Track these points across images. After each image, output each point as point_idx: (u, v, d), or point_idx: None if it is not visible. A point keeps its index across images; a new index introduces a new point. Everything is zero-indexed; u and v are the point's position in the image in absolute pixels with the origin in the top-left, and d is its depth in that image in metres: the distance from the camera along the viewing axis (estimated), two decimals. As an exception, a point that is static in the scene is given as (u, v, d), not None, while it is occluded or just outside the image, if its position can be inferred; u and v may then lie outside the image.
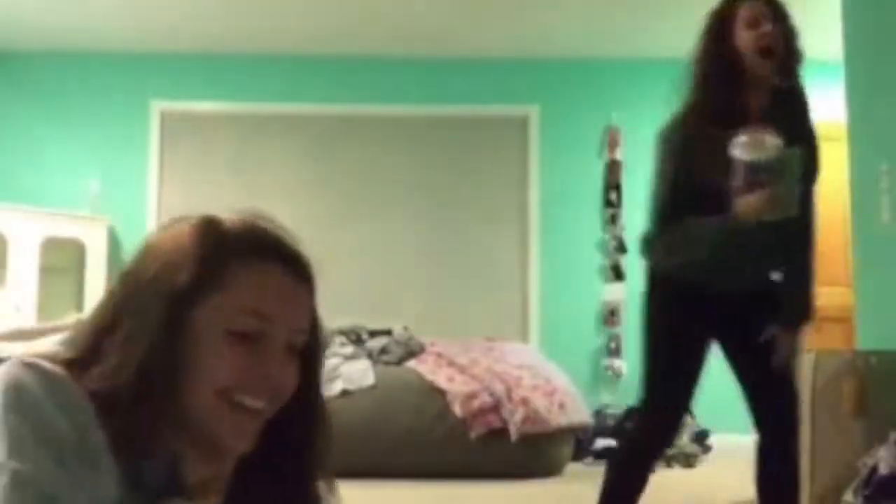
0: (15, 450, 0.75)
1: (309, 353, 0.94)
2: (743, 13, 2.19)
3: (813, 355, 2.91)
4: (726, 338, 2.28)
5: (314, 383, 0.97)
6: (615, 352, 5.82)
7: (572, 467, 4.59)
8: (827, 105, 5.45)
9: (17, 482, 0.74)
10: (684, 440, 4.92)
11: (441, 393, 4.34)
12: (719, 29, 2.25)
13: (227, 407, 0.86)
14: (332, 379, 4.40)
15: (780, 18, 2.18)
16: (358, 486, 4.02)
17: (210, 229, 0.90)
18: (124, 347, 0.84)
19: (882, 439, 2.52)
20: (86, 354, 0.85)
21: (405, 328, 4.87)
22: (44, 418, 0.77)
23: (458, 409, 4.29)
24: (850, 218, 3.67)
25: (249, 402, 0.87)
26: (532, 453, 4.32)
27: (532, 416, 4.28)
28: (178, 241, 0.89)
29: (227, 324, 0.86)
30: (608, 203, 5.95)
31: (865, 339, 3.43)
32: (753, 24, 2.16)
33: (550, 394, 4.41)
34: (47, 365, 0.81)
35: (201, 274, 0.86)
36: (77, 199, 5.72)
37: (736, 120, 2.11)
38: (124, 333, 0.85)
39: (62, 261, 5.52)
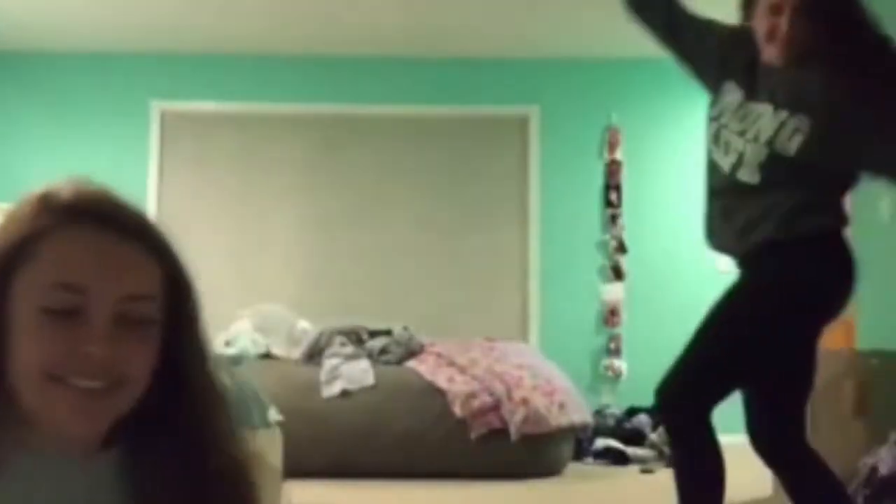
0: None
1: (170, 320, 0.85)
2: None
3: (813, 355, 2.91)
4: None
5: (187, 355, 0.87)
6: (615, 352, 5.82)
7: (572, 467, 4.59)
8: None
9: None
10: (684, 440, 4.92)
11: (441, 393, 4.35)
12: (746, 7, 2.14)
13: (60, 387, 0.78)
14: (332, 379, 4.41)
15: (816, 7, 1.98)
16: (358, 486, 4.03)
17: (40, 200, 0.84)
18: None
19: (882, 439, 2.52)
20: None
21: (405, 328, 4.87)
22: None
23: (458, 410, 4.29)
24: (850, 218, 3.66)
25: (79, 382, 0.78)
26: (532, 453, 4.33)
27: (532, 416, 4.28)
28: (10, 216, 0.85)
29: (38, 300, 0.78)
30: (608, 203, 5.95)
31: (865, 339, 3.44)
32: (775, 10, 2.01)
33: (550, 394, 4.41)
34: None
35: (18, 246, 0.80)
36: (77, 199, 5.72)
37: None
38: None
39: (62, 261, 5.52)
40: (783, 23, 1.97)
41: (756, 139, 2.06)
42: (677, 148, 6.00)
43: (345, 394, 4.33)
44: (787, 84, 2.03)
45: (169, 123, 6.03)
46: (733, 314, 2.10)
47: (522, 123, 6.06)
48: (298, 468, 3.36)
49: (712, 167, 2.14)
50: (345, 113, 6.07)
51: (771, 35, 2.01)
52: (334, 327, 4.78)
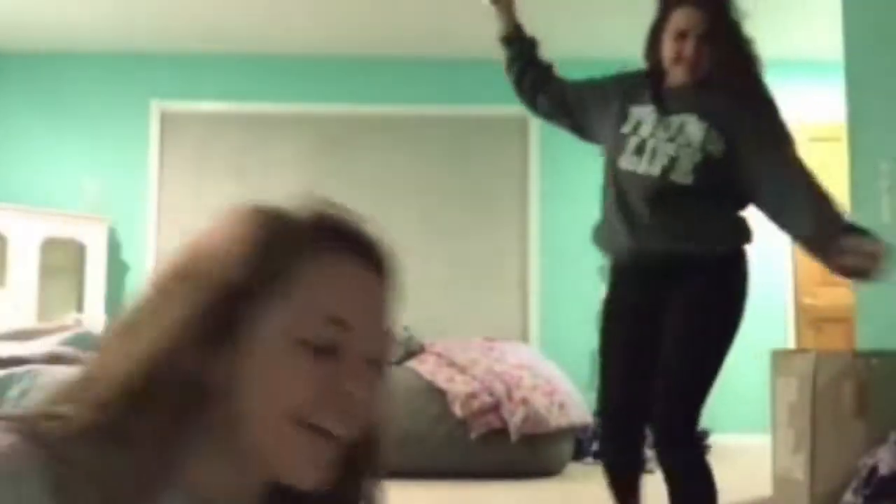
0: None
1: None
2: (672, 25, 2.26)
3: (813, 355, 2.91)
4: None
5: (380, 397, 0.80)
6: (615, 352, 5.81)
7: (572, 467, 4.59)
8: (827, 105, 5.48)
9: None
10: (684, 440, 4.92)
11: (441, 393, 4.35)
12: (652, 40, 2.36)
13: (303, 433, 0.70)
14: (332, 379, 4.41)
15: (715, 21, 2.24)
16: (358, 486, 4.03)
17: (272, 218, 0.75)
18: (139, 347, 0.68)
19: (882, 439, 2.52)
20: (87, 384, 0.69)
21: (405, 328, 4.87)
22: None
23: (458, 410, 4.29)
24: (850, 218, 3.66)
25: (330, 425, 0.70)
26: (532, 453, 4.33)
27: (532, 416, 4.28)
28: (231, 232, 0.74)
29: (297, 332, 0.70)
30: (608, 203, 5.95)
31: (865, 340, 3.43)
32: (681, 36, 2.23)
33: (550, 394, 4.41)
34: None
35: (262, 268, 0.70)
36: (77, 199, 5.72)
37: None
38: (140, 332, 0.69)
39: (62, 261, 5.52)
40: (688, 47, 2.20)
41: (689, 144, 2.18)
42: (677, 148, 6.00)
43: (345, 394, 4.33)
44: (696, 99, 2.21)
45: (169, 123, 6.03)
46: (707, 337, 2.14)
47: (522, 123, 6.06)
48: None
49: (628, 176, 2.18)
50: (345, 113, 6.07)
51: (678, 58, 2.23)
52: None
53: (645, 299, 2.24)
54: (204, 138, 6.04)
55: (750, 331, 6.22)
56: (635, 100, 2.33)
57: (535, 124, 6.06)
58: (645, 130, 2.25)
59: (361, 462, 0.78)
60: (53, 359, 2.76)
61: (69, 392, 0.69)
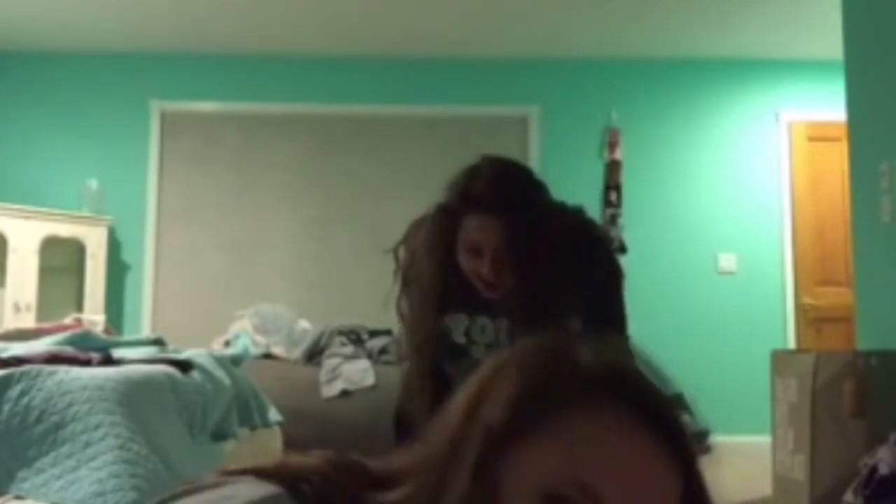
0: None
1: None
2: (464, 236, 1.90)
3: (813, 355, 2.91)
4: None
5: None
6: (615, 352, 5.81)
7: (572, 467, 4.58)
8: (827, 105, 5.48)
9: None
10: (684, 440, 4.92)
11: (441, 393, 4.34)
12: (441, 241, 1.99)
13: None
14: (332, 379, 4.40)
15: (517, 228, 1.84)
16: (358, 486, 4.02)
17: (546, 353, 0.66)
18: (429, 485, 0.64)
19: (882, 439, 2.52)
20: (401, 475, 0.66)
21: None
22: None
23: (457, 410, 4.28)
24: (850, 218, 3.66)
25: None
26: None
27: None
28: (506, 371, 0.66)
29: (541, 486, 0.60)
30: (608, 203, 5.95)
31: (865, 339, 3.43)
32: (475, 252, 1.88)
33: (550, 394, 4.40)
34: None
35: (520, 410, 0.63)
36: (77, 199, 5.72)
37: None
38: (434, 469, 0.65)
39: (62, 261, 5.52)
40: (485, 265, 1.86)
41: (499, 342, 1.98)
42: (677, 148, 6.01)
43: (345, 394, 4.32)
44: (509, 307, 1.94)
45: (169, 123, 6.03)
46: None
47: (522, 123, 6.06)
48: (298, 468, 3.35)
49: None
50: (345, 113, 6.07)
51: (476, 277, 1.90)
52: (334, 327, 4.78)
53: None
54: (204, 138, 6.04)
55: (750, 331, 6.28)
56: (451, 306, 2.05)
57: (535, 124, 6.06)
58: (459, 338, 2.03)
59: None
60: (53, 359, 2.76)
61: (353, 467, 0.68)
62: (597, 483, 0.60)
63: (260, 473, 0.64)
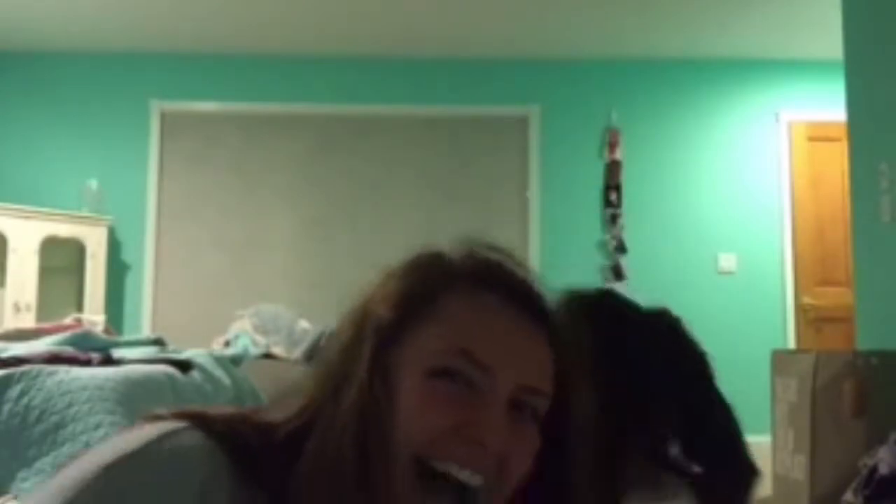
0: None
1: (557, 433, 0.71)
2: None
3: (813, 355, 2.91)
4: None
5: (565, 476, 0.73)
6: (615, 352, 5.80)
7: (572, 467, 4.58)
8: (827, 105, 5.48)
9: None
10: (684, 440, 4.92)
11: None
12: None
13: (425, 485, 0.66)
14: (332, 379, 4.39)
15: None
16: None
17: (422, 257, 0.76)
18: (333, 393, 0.69)
19: (882, 439, 2.52)
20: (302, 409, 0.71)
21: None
22: None
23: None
24: (850, 218, 3.66)
25: (455, 472, 0.66)
26: (532, 453, 4.32)
27: (532, 416, 4.27)
28: (387, 277, 0.75)
29: (427, 362, 0.68)
30: (608, 203, 5.95)
31: (865, 339, 3.43)
32: None
33: (550, 394, 4.40)
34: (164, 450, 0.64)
35: (406, 305, 0.71)
36: (77, 199, 5.72)
37: None
38: (332, 376, 0.71)
39: (62, 261, 5.52)
40: None
41: None
42: (677, 148, 6.01)
43: (345, 394, 4.32)
44: None
45: (169, 123, 6.03)
46: None
47: (522, 123, 6.06)
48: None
49: None
50: (345, 113, 6.07)
51: None
52: (334, 327, 4.77)
53: None
54: (204, 138, 6.04)
55: (750, 331, 6.28)
56: None
57: (535, 124, 6.06)
58: None
59: None
60: (53, 359, 2.76)
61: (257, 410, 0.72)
62: (476, 347, 0.67)
63: (178, 416, 0.68)
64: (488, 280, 0.72)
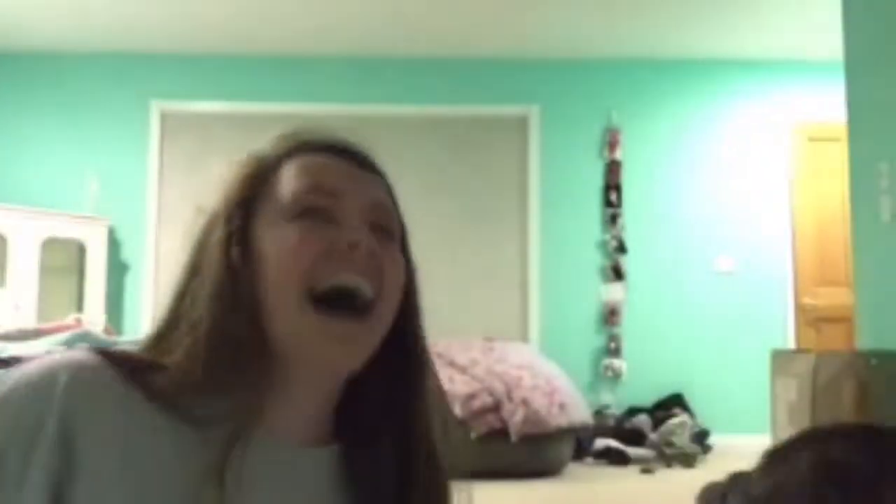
0: None
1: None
2: None
3: (813, 356, 2.91)
4: None
5: (411, 331, 0.80)
6: (615, 352, 5.82)
7: (572, 467, 4.59)
8: (827, 105, 5.48)
9: None
10: (684, 440, 4.92)
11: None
12: None
13: (322, 311, 0.71)
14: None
15: None
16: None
17: (252, 152, 0.81)
18: (192, 284, 0.74)
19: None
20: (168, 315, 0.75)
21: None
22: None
23: (458, 410, 4.29)
24: (850, 218, 3.66)
25: (345, 278, 0.72)
26: (532, 453, 4.32)
27: (532, 417, 4.28)
28: (232, 174, 0.80)
29: (284, 212, 0.73)
30: (608, 203, 5.95)
31: (865, 339, 3.43)
32: None
33: (550, 394, 4.41)
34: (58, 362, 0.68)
35: (251, 186, 0.76)
36: (77, 199, 5.73)
37: None
38: (192, 275, 0.75)
39: (62, 261, 5.52)
40: None
41: None
42: (677, 148, 6.01)
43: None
44: None
45: (169, 123, 6.03)
46: None
47: (522, 123, 6.06)
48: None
49: None
50: (344, 113, 6.06)
51: None
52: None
53: None
54: (204, 138, 6.04)
55: (750, 331, 6.27)
56: None
57: (535, 124, 6.06)
58: None
59: (401, 340, 0.78)
60: (53, 359, 2.76)
61: (150, 342, 0.75)
62: (325, 182, 0.75)
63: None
64: (318, 141, 0.79)
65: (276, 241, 0.72)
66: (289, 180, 0.75)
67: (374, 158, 0.83)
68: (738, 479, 0.69)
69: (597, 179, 6.00)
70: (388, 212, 0.79)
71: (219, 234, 0.74)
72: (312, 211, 0.73)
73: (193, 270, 0.75)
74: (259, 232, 0.74)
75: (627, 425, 5.19)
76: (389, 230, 0.78)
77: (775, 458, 0.69)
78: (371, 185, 0.79)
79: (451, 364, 4.53)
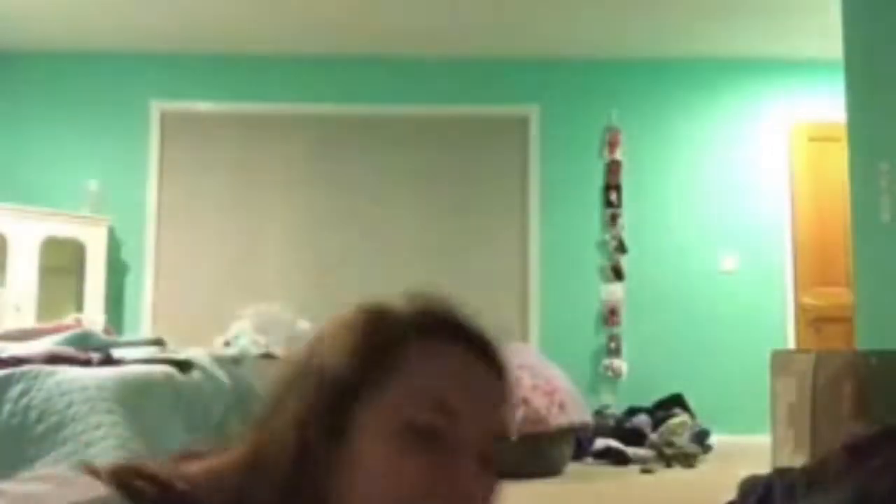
0: None
1: None
2: None
3: (813, 355, 2.91)
4: None
5: None
6: (615, 352, 5.82)
7: (572, 467, 4.58)
8: (827, 105, 5.48)
9: None
10: (684, 440, 4.92)
11: (441, 393, 4.33)
12: None
13: None
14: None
15: None
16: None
17: (377, 312, 0.73)
18: (269, 439, 0.68)
19: (882, 439, 2.51)
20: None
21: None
22: None
23: (458, 409, 4.28)
24: (850, 218, 3.66)
25: None
26: (532, 453, 4.32)
27: (532, 416, 4.27)
28: (339, 330, 0.72)
29: (399, 421, 0.66)
30: (608, 203, 5.95)
31: (865, 339, 3.43)
32: None
33: (550, 394, 4.40)
34: None
35: (367, 363, 0.68)
36: (77, 199, 5.72)
37: None
38: (271, 426, 0.69)
39: (62, 261, 5.52)
40: None
41: None
42: (677, 148, 6.01)
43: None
44: None
45: (169, 123, 6.03)
46: None
47: (522, 123, 6.06)
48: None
49: None
50: (345, 113, 6.07)
51: None
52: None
53: None
54: (204, 138, 6.04)
55: (750, 331, 6.26)
56: None
57: (535, 124, 6.06)
58: None
59: None
60: (53, 359, 2.76)
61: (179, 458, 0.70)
62: (449, 397, 0.67)
63: (113, 474, 0.65)
64: (450, 329, 0.73)
65: (374, 456, 0.65)
66: (412, 382, 0.68)
67: (501, 347, 0.76)
68: (782, 473, 0.70)
69: (597, 179, 6.00)
70: (500, 441, 0.71)
71: (306, 403, 0.68)
72: (427, 432, 0.66)
73: (263, 421, 0.69)
74: (362, 420, 0.67)
75: (627, 425, 5.19)
76: (496, 461, 0.71)
77: (856, 453, 0.69)
78: (494, 402, 0.72)
79: (451, 364, 4.52)
